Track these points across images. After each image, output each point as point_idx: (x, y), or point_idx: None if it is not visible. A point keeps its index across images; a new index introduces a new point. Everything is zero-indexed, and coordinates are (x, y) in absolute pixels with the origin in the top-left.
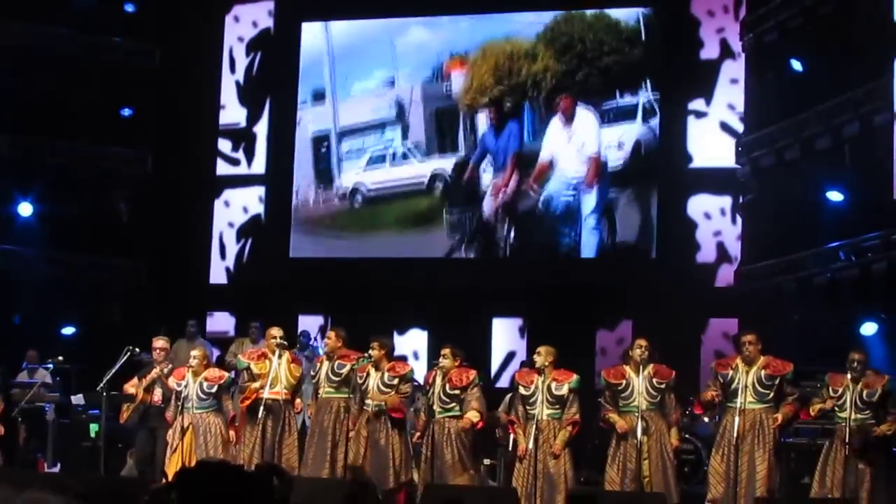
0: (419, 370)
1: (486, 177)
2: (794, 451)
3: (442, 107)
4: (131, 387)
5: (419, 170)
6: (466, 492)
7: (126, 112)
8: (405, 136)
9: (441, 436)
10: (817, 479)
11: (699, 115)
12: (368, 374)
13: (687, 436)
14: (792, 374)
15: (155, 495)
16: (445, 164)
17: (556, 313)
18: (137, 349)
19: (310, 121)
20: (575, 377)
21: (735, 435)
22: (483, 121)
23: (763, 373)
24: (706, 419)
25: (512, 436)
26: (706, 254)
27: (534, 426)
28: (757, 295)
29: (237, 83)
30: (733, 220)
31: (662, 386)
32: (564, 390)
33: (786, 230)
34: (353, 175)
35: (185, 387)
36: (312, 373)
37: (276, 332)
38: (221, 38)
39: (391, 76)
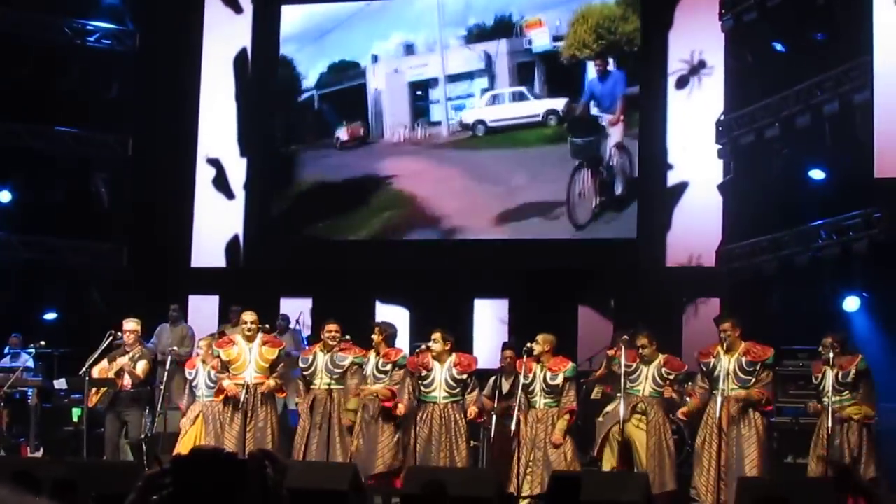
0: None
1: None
2: (777, 431)
3: (524, 60)
4: (101, 370)
5: (534, 107)
6: (448, 473)
7: (106, 96)
8: (492, 84)
9: (442, 422)
10: (813, 458)
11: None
12: (368, 360)
13: (671, 416)
14: (773, 358)
15: (149, 481)
16: (556, 103)
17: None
18: (119, 333)
19: (402, 69)
20: (570, 365)
21: (719, 420)
22: (591, 69)
23: (744, 359)
24: (688, 398)
25: (494, 418)
26: (686, 232)
27: (532, 414)
28: (738, 275)
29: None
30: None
31: (671, 377)
32: (560, 379)
33: (766, 210)
34: (475, 112)
35: (196, 375)
36: (303, 364)
37: (248, 317)
38: (202, 22)
39: (464, 33)
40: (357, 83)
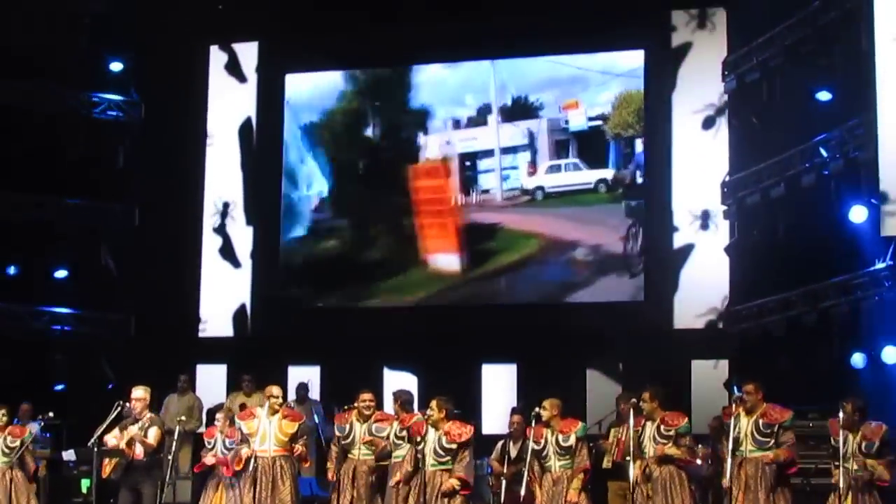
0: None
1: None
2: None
3: (561, 138)
4: (113, 438)
5: (586, 176)
6: None
7: (113, 166)
8: (534, 157)
9: (433, 491)
10: None
11: None
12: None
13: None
14: (791, 420)
15: None
16: (605, 173)
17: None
18: (127, 403)
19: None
20: (581, 425)
21: (735, 483)
22: (638, 144)
23: (761, 421)
24: (699, 462)
25: (504, 483)
26: (693, 293)
27: (548, 479)
28: (746, 335)
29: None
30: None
31: (671, 433)
32: (572, 440)
33: (773, 269)
34: (534, 178)
35: (214, 444)
36: (340, 433)
37: (276, 390)
38: (206, 92)
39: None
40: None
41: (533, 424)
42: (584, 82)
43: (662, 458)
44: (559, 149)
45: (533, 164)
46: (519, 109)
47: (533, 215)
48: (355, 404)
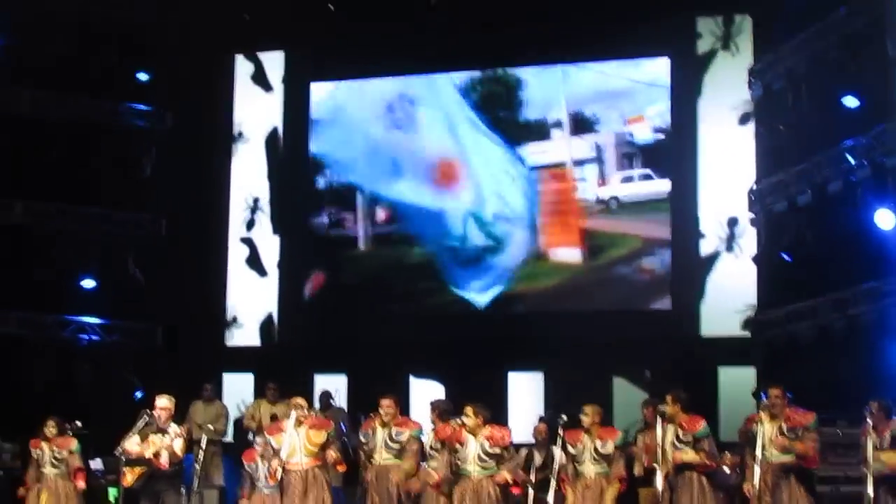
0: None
1: None
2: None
3: (628, 151)
4: (135, 446)
5: (659, 186)
6: None
7: (139, 176)
8: (601, 169)
9: (479, 495)
10: None
11: None
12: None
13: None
14: (815, 423)
15: None
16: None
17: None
18: (152, 412)
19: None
20: (619, 434)
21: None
22: None
23: (784, 425)
24: (726, 469)
25: (531, 493)
26: (720, 301)
27: (581, 483)
28: (773, 343)
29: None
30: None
31: (689, 438)
32: (609, 448)
33: (800, 276)
34: (607, 189)
35: (257, 469)
36: (364, 439)
37: (300, 401)
38: (232, 101)
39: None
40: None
41: (560, 431)
42: (632, 94)
43: (680, 464)
44: (626, 160)
45: (602, 177)
46: (580, 122)
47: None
48: (379, 411)
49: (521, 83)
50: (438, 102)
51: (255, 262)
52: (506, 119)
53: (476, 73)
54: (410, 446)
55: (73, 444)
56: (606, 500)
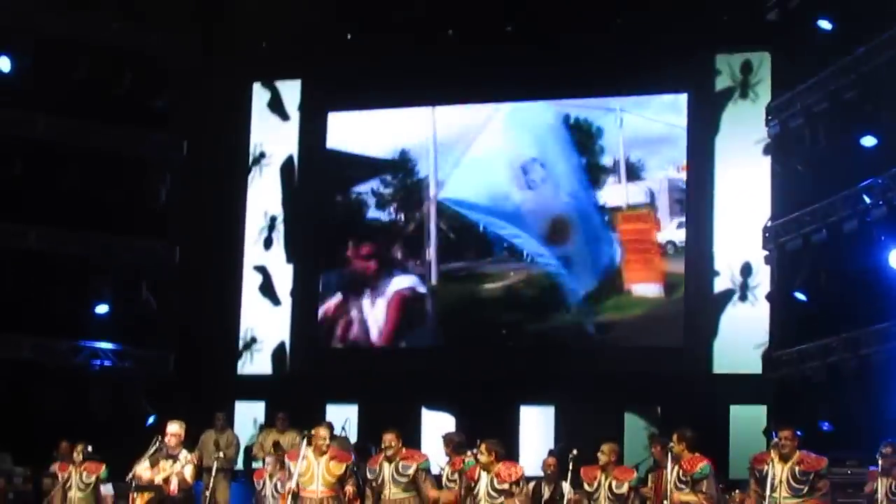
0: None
1: None
2: None
3: (679, 197)
4: (145, 471)
5: None
6: None
7: (154, 204)
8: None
9: None
10: None
11: None
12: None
13: None
14: (826, 468)
15: None
16: None
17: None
18: (164, 438)
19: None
20: (635, 475)
21: None
22: None
23: (797, 468)
24: None
25: None
26: (733, 339)
27: None
28: (785, 381)
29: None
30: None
31: (688, 479)
32: (625, 488)
33: (813, 315)
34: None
35: (263, 486)
36: (371, 475)
37: (322, 432)
38: (248, 130)
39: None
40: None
41: (570, 465)
42: (674, 139)
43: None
44: (678, 205)
45: (657, 222)
46: (631, 168)
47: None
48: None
49: (594, 127)
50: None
51: (268, 290)
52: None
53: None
54: (419, 478)
55: (102, 470)
56: None
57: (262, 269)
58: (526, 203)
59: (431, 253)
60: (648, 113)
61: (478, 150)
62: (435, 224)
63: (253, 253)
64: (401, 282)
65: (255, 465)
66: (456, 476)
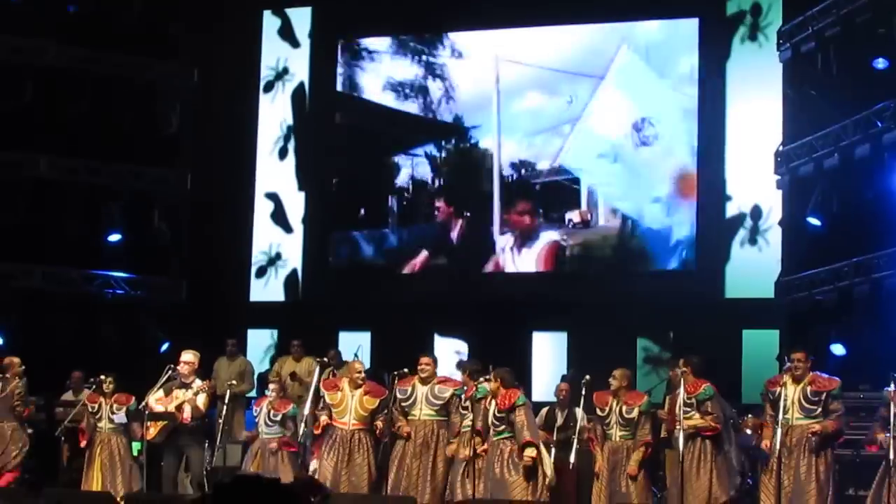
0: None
1: None
2: (838, 463)
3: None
4: (156, 401)
5: None
6: None
7: (166, 131)
8: None
9: (495, 456)
10: (871, 497)
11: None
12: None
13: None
14: (839, 389)
15: None
16: None
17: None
18: (178, 368)
19: None
20: (645, 399)
21: (780, 450)
22: None
23: (809, 389)
24: (748, 431)
25: (553, 451)
26: (745, 263)
27: (608, 446)
28: (797, 306)
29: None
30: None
31: (692, 401)
32: (635, 413)
33: (826, 239)
34: None
35: (259, 413)
36: (402, 395)
37: (358, 366)
38: (260, 57)
39: None
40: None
41: (583, 391)
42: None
43: (691, 429)
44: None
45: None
46: None
47: None
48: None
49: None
50: None
51: (280, 217)
52: None
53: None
54: (452, 404)
55: (132, 402)
56: (631, 464)
57: (273, 197)
58: None
59: None
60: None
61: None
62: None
63: (265, 180)
64: None
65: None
66: (468, 403)
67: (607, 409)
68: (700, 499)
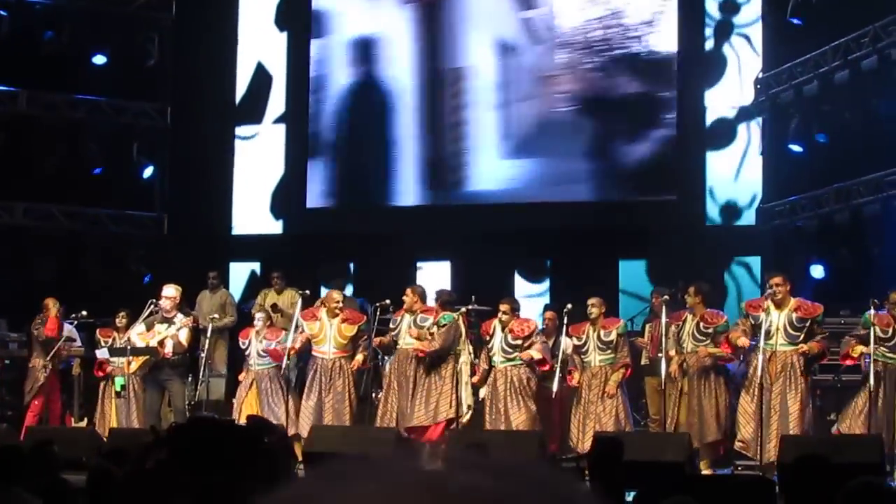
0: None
1: None
2: (820, 388)
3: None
4: (137, 336)
5: None
6: (491, 435)
7: (144, 65)
8: None
9: (505, 383)
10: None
11: None
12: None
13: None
14: (822, 315)
15: (146, 450)
16: None
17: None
18: (160, 303)
19: None
20: (622, 322)
21: (763, 375)
22: None
23: (794, 315)
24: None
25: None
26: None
27: (588, 372)
28: (778, 232)
29: None
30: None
31: (710, 331)
32: (613, 336)
33: (806, 167)
34: None
35: (248, 345)
36: (392, 325)
37: (336, 295)
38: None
39: None
40: None
41: (566, 320)
42: None
43: (705, 358)
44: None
45: None
46: None
47: None
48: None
49: None
50: None
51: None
52: None
53: None
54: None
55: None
56: (610, 384)
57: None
58: None
59: None
60: None
61: None
62: None
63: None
64: None
65: None
66: (434, 328)
67: (584, 336)
68: (711, 432)
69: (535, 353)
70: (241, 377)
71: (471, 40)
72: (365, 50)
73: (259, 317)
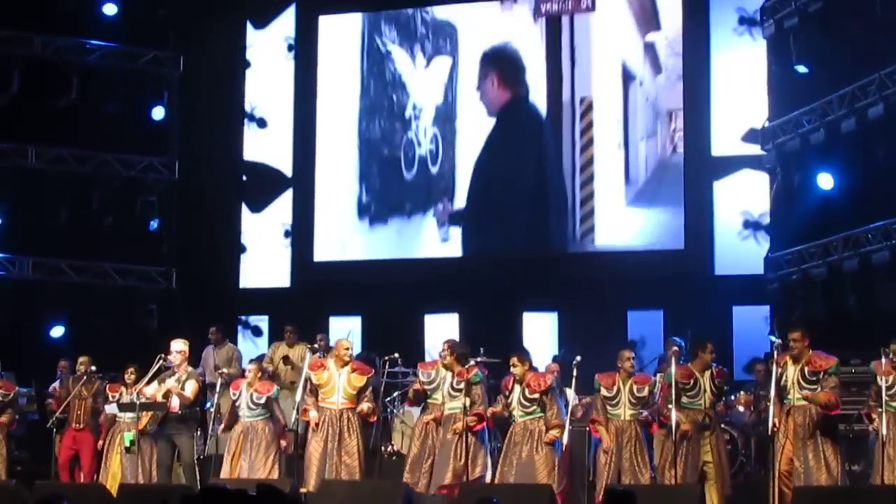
0: None
1: None
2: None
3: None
4: (151, 390)
5: None
6: (500, 489)
7: (152, 119)
8: None
9: (524, 436)
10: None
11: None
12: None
13: (723, 425)
14: (836, 367)
15: None
16: None
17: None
18: (169, 357)
19: None
20: (653, 379)
21: (781, 430)
22: None
23: (807, 368)
24: (741, 408)
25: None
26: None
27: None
28: (786, 281)
29: None
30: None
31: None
32: (646, 392)
33: (814, 215)
34: None
35: (239, 396)
36: (425, 378)
37: (346, 343)
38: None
39: None
40: None
41: (574, 372)
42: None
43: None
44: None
45: None
46: None
47: None
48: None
49: None
50: None
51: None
52: None
53: None
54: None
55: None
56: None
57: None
58: None
59: None
60: None
61: None
62: None
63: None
64: None
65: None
66: (462, 385)
67: (615, 388)
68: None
69: (556, 433)
70: (220, 432)
71: None
72: None
73: (250, 367)
